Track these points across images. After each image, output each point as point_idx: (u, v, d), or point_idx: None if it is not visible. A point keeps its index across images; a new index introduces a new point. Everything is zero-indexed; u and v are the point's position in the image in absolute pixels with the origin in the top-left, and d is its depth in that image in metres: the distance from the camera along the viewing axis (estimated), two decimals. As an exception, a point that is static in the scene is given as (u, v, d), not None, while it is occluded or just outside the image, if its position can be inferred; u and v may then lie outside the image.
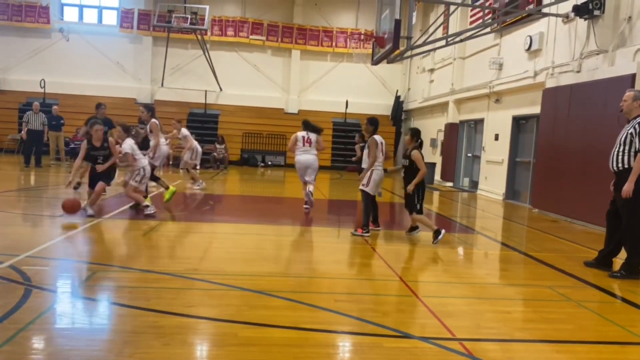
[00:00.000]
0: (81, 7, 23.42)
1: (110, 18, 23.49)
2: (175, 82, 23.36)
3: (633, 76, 8.85)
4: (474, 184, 16.62)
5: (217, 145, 20.26)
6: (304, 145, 9.51)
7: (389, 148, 23.28)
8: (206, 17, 21.51)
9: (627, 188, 5.64)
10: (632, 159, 5.67)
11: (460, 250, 7.47)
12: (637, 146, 5.62)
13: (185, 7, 21.35)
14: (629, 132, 5.74)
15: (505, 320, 4.31)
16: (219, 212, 10.16)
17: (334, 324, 4.05)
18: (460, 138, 17.96)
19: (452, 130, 18.12)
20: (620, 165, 5.80)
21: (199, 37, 22.00)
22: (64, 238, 6.58)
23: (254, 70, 24.01)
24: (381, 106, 24.48)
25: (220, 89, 23.47)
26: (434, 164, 19.03)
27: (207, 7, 21.65)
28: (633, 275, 5.75)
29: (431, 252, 6.97)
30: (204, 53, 22.38)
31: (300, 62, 24.14)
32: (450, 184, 18.01)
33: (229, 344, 3.50)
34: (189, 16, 20.89)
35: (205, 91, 23.23)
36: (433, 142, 20.40)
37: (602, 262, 6.16)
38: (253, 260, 5.97)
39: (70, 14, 23.39)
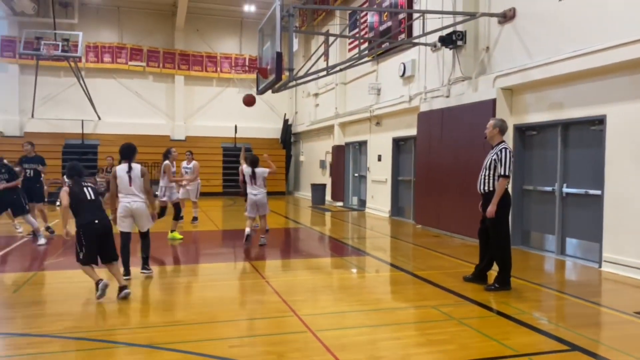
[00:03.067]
0: None
1: (-33, 44, 21.36)
2: (47, 113, 21.77)
3: (494, 101, 9.80)
4: (363, 203, 17.27)
5: (98, 179, 19.04)
6: (250, 184, 9.53)
7: (280, 170, 23.65)
8: (79, 44, 20.26)
9: (491, 209, 6.22)
10: (496, 182, 6.26)
11: (352, 275, 7.69)
12: (500, 171, 6.22)
13: (55, 33, 20.01)
14: (492, 158, 6.34)
15: (396, 347, 4.49)
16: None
17: (229, 374, 3.97)
18: (347, 159, 18.63)
19: (339, 152, 18.74)
20: (486, 188, 6.37)
21: (73, 64, 20.70)
22: None
23: (135, 97, 23.09)
24: (271, 130, 24.74)
25: (99, 118, 22.24)
26: (324, 185, 19.53)
27: (80, 33, 20.42)
28: (505, 287, 6.32)
29: (326, 280, 7.08)
30: (79, 81, 21.11)
31: (184, 87, 23.66)
32: (340, 203, 18.54)
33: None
34: (60, 43, 19.59)
35: (82, 120, 21.89)
36: (322, 164, 20.93)
37: (479, 276, 6.69)
38: (136, 310, 5.65)
39: None
